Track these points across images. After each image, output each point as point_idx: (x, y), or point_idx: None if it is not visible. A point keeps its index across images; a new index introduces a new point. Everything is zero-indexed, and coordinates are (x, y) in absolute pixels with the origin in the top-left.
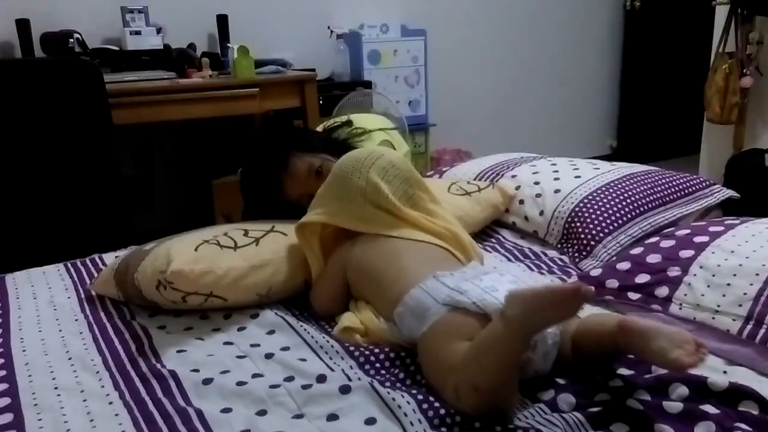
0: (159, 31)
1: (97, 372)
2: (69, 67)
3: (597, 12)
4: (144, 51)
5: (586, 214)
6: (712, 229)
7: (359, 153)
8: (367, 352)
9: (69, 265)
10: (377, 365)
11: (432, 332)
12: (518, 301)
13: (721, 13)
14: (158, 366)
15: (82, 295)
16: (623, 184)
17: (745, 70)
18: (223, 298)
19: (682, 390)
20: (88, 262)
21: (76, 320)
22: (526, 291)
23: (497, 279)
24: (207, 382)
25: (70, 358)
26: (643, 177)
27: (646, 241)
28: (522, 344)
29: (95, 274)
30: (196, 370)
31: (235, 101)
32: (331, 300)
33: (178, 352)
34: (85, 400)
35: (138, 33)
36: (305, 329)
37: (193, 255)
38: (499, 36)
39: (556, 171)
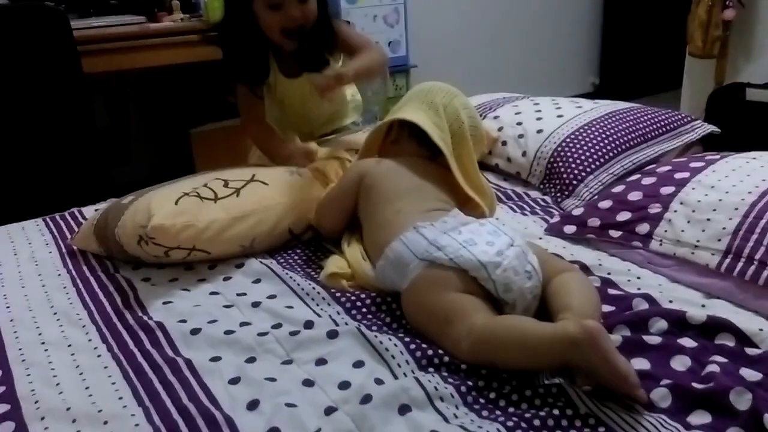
0: None
1: (84, 326)
2: (34, 14)
3: None
4: None
5: (569, 154)
6: (692, 165)
7: (447, 85)
8: (353, 298)
9: (48, 219)
10: (363, 310)
11: (414, 288)
12: (590, 341)
13: None
14: (145, 318)
15: (64, 250)
16: (605, 123)
17: (727, 2)
18: (207, 251)
19: (662, 324)
20: (67, 216)
21: (59, 275)
22: (603, 343)
23: (476, 230)
24: (195, 332)
25: (55, 313)
26: (624, 114)
27: (628, 179)
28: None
29: (75, 228)
30: (184, 321)
31: (209, 46)
32: (336, 211)
33: (164, 303)
34: (73, 354)
35: None
36: (291, 277)
37: (174, 208)
38: None
39: (539, 111)
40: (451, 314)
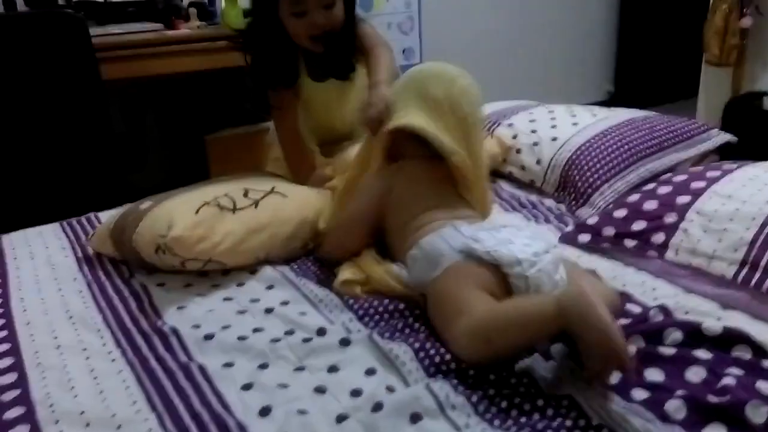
0: None
1: (98, 330)
2: (53, 21)
3: None
4: (129, 2)
5: (583, 162)
6: (709, 174)
7: (441, 66)
8: (366, 305)
9: (65, 224)
10: (376, 317)
11: (445, 276)
12: (583, 303)
13: None
14: (159, 323)
15: (80, 254)
16: (620, 131)
17: (744, 10)
18: (222, 263)
19: (677, 335)
20: (84, 220)
21: (75, 279)
22: (594, 304)
23: (514, 233)
24: (208, 337)
25: (71, 317)
26: (640, 123)
27: (643, 188)
28: (554, 333)
29: (91, 233)
30: (197, 326)
31: (225, 53)
32: (363, 230)
33: (179, 308)
34: (87, 358)
35: None
36: (304, 283)
37: (194, 219)
38: None
39: (554, 119)
40: (465, 308)
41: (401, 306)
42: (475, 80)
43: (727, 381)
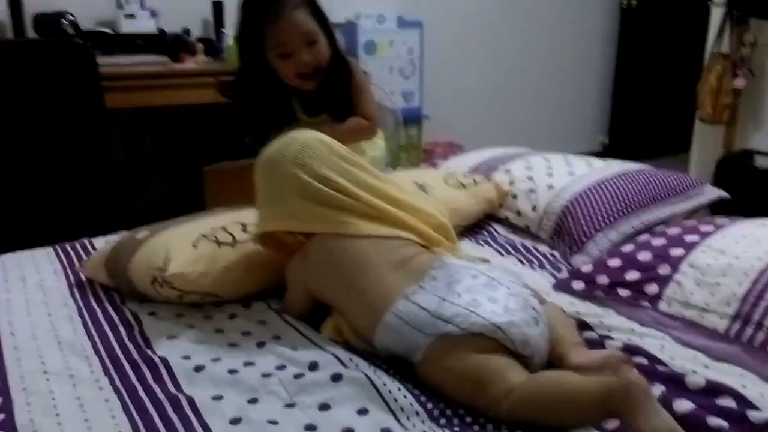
0: (153, 14)
1: (87, 357)
2: (61, 49)
3: (593, 9)
4: (138, 35)
5: (578, 211)
6: (702, 228)
7: (273, 148)
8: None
9: (58, 248)
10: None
11: (432, 357)
12: (632, 392)
13: (716, 14)
14: (149, 352)
15: (72, 280)
16: (615, 182)
17: (738, 71)
18: (220, 296)
19: (657, 387)
20: (77, 245)
21: (66, 305)
22: (643, 396)
23: (473, 287)
24: (198, 369)
25: (59, 343)
26: (635, 175)
27: (638, 239)
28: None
29: (85, 259)
30: (187, 357)
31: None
32: (305, 307)
33: (169, 338)
34: (74, 385)
35: (132, 16)
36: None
37: (192, 253)
38: (495, 30)
39: (550, 167)
40: (485, 375)
41: None
42: (472, 125)
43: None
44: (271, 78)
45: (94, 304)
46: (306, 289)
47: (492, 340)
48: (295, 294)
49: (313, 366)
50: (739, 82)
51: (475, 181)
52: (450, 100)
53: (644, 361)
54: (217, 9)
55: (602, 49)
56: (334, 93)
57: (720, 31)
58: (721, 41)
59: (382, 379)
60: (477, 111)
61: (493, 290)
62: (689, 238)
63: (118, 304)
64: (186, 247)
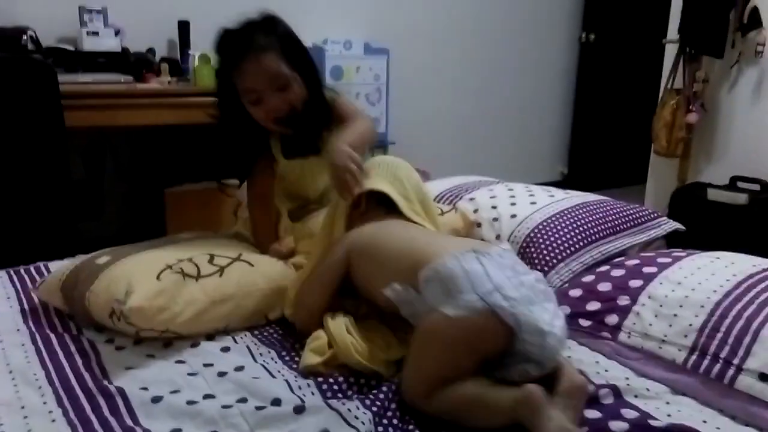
0: (117, 33)
1: (40, 387)
2: (21, 66)
3: (554, 43)
4: (101, 53)
5: (541, 240)
6: (660, 260)
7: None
8: (331, 380)
9: (12, 272)
10: (335, 387)
11: (456, 324)
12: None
13: (670, 51)
14: (105, 383)
15: (26, 305)
16: (576, 212)
17: (691, 107)
18: (179, 334)
19: (622, 425)
20: (32, 269)
21: (18, 331)
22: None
23: (531, 284)
24: (156, 400)
25: (10, 372)
26: (595, 206)
27: (597, 270)
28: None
29: (39, 280)
30: (145, 388)
31: (194, 109)
32: (324, 288)
33: (127, 368)
34: (26, 417)
35: (95, 34)
36: (260, 353)
37: (154, 286)
38: (460, 60)
39: (513, 196)
40: (448, 377)
41: (362, 381)
42: (436, 152)
43: None
44: (248, 122)
45: (49, 331)
46: (344, 261)
47: (506, 339)
48: (324, 274)
49: (276, 401)
50: (692, 117)
51: (441, 210)
52: (415, 127)
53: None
54: (183, 29)
55: (562, 81)
56: (314, 135)
57: (674, 67)
58: (674, 77)
59: (346, 405)
60: (441, 138)
61: (544, 295)
62: (647, 269)
63: (74, 332)
64: (149, 278)
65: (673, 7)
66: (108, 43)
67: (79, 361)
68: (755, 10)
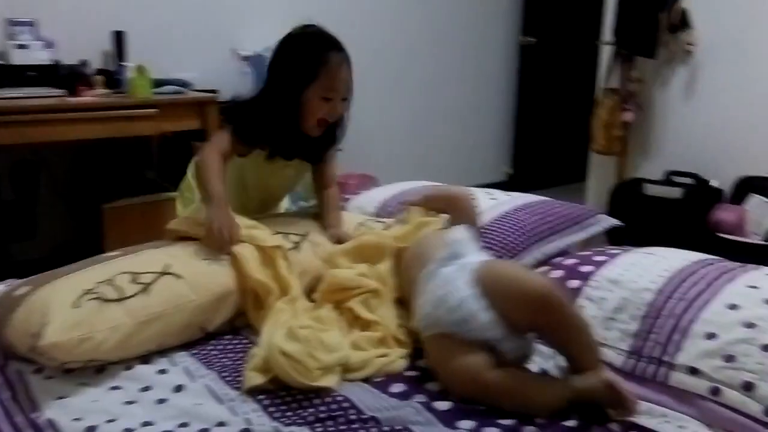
0: (49, 45)
1: None
2: None
3: (494, 46)
4: (31, 66)
5: (483, 244)
6: (596, 258)
7: None
8: (274, 397)
9: None
10: (283, 407)
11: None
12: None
13: (605, 52)
14: (34, 415)
15: None
16: (517, 215)
17: (626, 106)
18: (107, 361)
19: None
20: None
21: None
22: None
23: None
24: (91, 430)
25: None
26: (535, 207)
27: (538, 270)
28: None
29: None
30: (79, 419)
31: (131, 122)
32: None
33: (59, 398)
34: None
35: (24, 47)
36: (201, 375)
37: (71, 316)
38: (403, 65)
39: None
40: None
41: (311, 395)
42: (382, 157)
43: None
44: (291, 112)
45: None
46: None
47: None
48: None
49: (221, 422)
50: (628, 116)
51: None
52: (362, 133)
53: None
54: (118, 40)
55: (504, 84)
56: (324, 146)
57: (609, 68)
58: (610, 77)
59: (290, 427)
60: (388, 144)
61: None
62: (584, 268)
63: (0, 363)
64: (65, 307)
65: (607, 9)
66: (38, 55)
67: (6, 394)
68: (684, 12)
